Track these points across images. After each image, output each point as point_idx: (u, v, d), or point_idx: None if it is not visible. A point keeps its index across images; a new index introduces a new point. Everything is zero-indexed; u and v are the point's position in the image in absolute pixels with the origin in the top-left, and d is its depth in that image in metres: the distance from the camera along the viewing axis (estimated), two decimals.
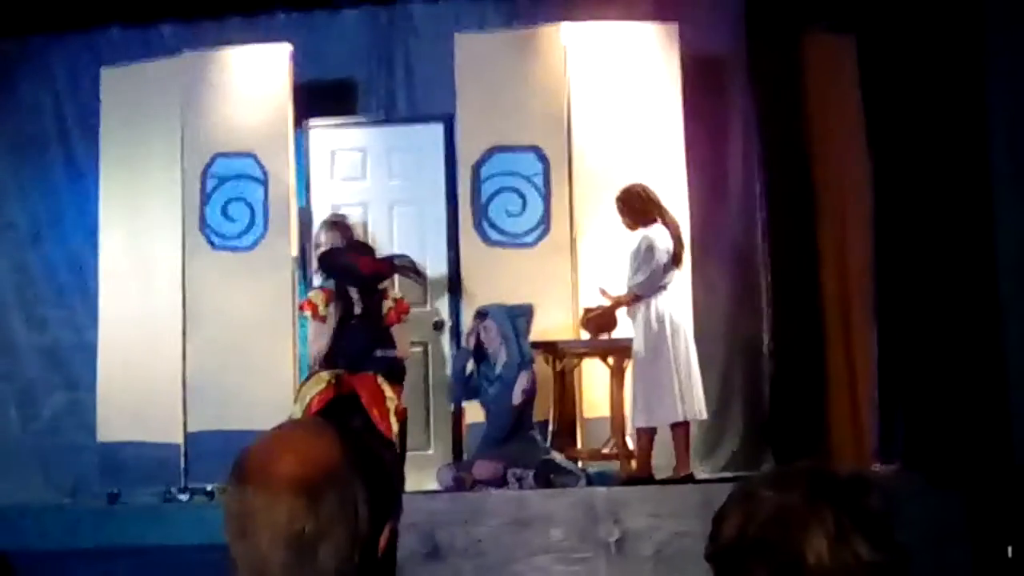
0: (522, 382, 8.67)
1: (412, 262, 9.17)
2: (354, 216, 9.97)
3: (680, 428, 8.70)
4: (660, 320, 8.65)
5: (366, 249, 9.24)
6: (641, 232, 8.78)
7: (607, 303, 8.97)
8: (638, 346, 8.73)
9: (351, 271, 8.94)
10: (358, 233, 9.55)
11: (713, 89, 9.98)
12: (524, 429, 8.70)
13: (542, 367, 9.05)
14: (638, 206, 8.84)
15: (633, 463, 8.86)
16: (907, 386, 9.20)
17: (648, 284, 8.69)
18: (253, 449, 1.98)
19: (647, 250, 8.70)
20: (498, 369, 8.81)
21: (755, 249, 9.92)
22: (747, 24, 9.97)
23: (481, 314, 8.93)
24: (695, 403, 8.66)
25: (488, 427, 8.84)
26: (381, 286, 9.01)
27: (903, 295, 9.25)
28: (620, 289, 8.88)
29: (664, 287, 8.71)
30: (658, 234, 8.74)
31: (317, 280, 9.38)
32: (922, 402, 9.05)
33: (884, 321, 9.38)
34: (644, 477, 8.64)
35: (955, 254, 9.09)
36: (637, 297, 8.75)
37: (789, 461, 2.13)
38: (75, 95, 10.74)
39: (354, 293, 8.82)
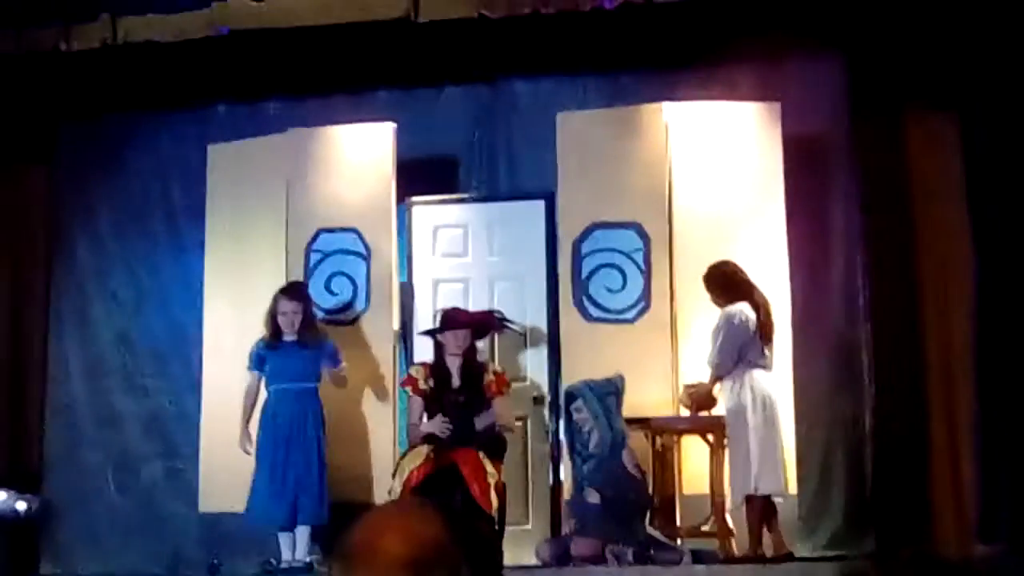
0: (630, 459, 8.68)
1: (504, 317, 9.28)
2: (456, 291, 10.04)
3: (754, 502, 8.63)
4: (743, 393, 8.66)
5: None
6: (722, 311, 8.81)
7: (706, 380, 8.96)
8: (727, 421, 8.76)
9: (450, 319, 9.02)
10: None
11: (815, 167, 9.93)
12: (627, 506, 8.65)
13: (639, 443, 9.02)
14: (724, 283, 8.88)
15: (733, 541, 8.79)
16: (1011, 467, 9.05)
17: (719, 361, 8.71)
18: (358, 528, 2.00)
19: (718, 328, 8.77)
20: (591, 448, 8.80)
21: (857, 328, 9.80)
22: (850, 102, 9.93)
23: (570, 395, 8.95)
24: (773, 478, 8.59)
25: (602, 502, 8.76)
26: (481, 359, 9.03)
27: (1006, 376, 9.12)
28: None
29: (750, 362, 8.72)
30: (737, 310, 8.74)
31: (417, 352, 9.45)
32: None
33: (987, 401, 9.25)
34: (745, 556, 8.57)
35: None
36: (719, 377, 8.77)
37: (891, 541, 2.12)
38: (182, 171, 10.87)
39: (453, 368, 8.85)
